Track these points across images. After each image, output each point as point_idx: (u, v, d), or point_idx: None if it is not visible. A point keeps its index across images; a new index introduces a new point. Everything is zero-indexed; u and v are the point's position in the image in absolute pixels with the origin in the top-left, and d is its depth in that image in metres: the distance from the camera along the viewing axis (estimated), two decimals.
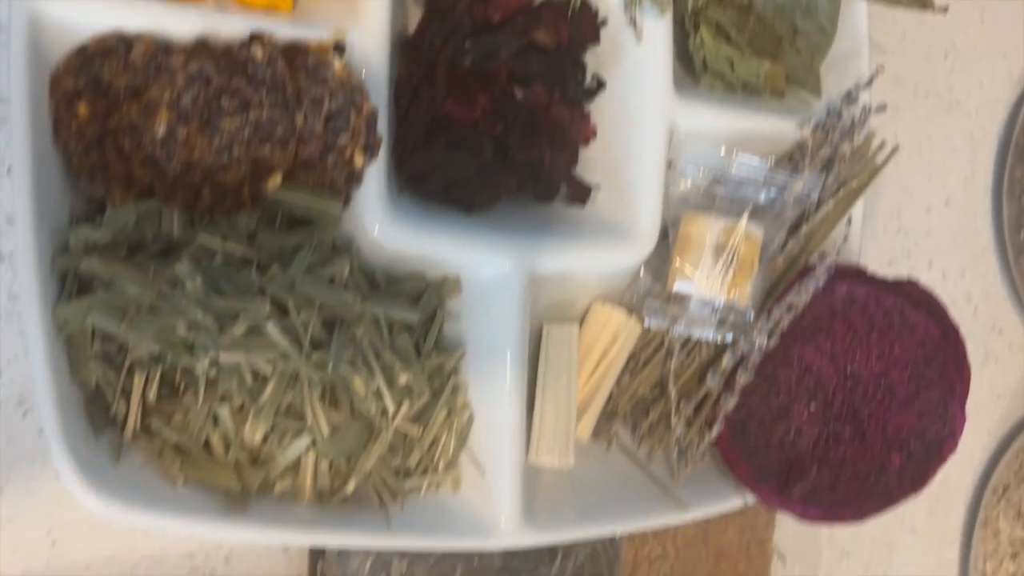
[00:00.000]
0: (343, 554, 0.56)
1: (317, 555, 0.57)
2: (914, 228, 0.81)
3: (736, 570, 0.71)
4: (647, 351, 0.63)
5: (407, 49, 0.56)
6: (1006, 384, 0.86)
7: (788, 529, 0.74)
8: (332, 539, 0.50)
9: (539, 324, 0.59)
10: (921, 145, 0.81)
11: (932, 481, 0.60)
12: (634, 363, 0.62)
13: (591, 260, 0.58)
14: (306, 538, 0.49)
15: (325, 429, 0.49)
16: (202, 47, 0.47)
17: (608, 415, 0.62)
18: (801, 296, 0.59)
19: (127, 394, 0.48)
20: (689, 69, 0.65)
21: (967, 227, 0.84)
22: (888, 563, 0.80)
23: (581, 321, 0.61)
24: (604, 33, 0.60)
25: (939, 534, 0.82)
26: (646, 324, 0.61)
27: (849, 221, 0.64)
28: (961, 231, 0.83)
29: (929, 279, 0.78)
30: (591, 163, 0.61)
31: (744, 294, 0.59)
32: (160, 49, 0.47)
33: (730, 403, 0.60)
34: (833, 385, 0.62)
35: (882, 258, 0.79)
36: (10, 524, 0.52)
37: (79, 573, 0.53)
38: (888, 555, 0.80)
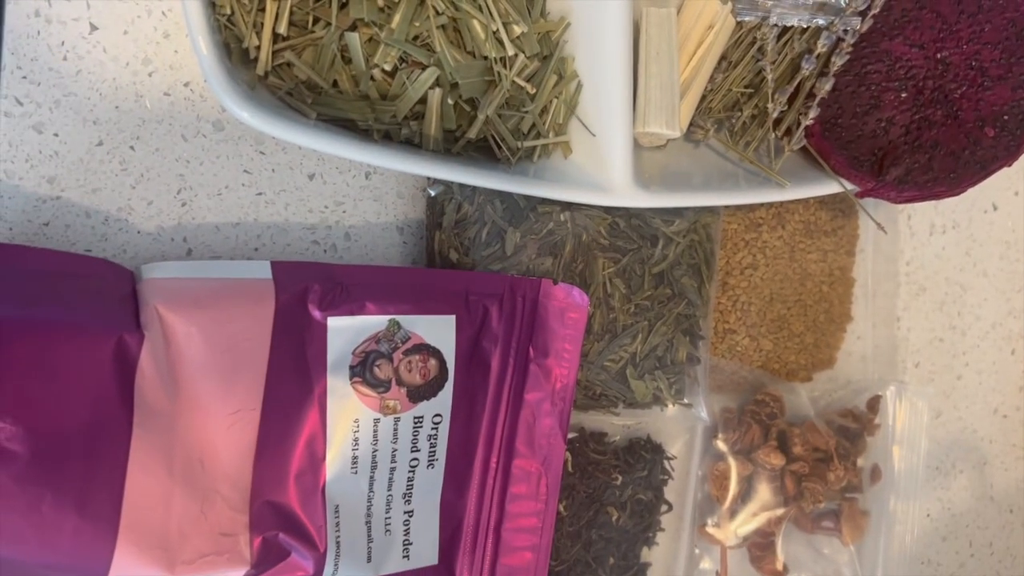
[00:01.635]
0: (459, 223, 0.57)
1: (433, 229, 0.58)
2: None
3: (820, 292, 0.72)
4: (739, 50, 0.64)
5: None
6: None
7: (868, 262, 0.75)
8: (459, 175, 0.51)
9: (635, 15, 0.60)
10: None
11: None
12: (726, 63, 0.63)
13: None
14: (436, 170, 0.50)
15: (451, 61, 0.50)
16: None
17: (702, 112, 0.63)
18: None
19: (258, 29, 0.49)
20: None
21: None
22: (962, 303, 0.82)
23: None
24: None
25: (1009, 279, 0.83)
26: (739, 19, 0.62)
27: None
28: None
29: None
30: None
31: None
32: None
33: (826, 86, 0.61)
34: (923, 73, 0.63)
35: None
36: (142, 180, 0.53)
37: (209, 234, 0.54)
38: (962, 295, 0.81)
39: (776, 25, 0.62)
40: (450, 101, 0.52)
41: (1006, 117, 0.62)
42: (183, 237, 0.54)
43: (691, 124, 0.63)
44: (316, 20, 0.50)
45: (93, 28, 0.52)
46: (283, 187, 0.56)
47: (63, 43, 0.51)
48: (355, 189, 0.58)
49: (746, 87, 0.64)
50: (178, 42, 0.53)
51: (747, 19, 0.62)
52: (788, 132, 0.64)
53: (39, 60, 0.51)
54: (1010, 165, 0.62)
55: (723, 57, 0.63)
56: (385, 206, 0.59)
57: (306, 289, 0.52)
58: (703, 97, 0.63)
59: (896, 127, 0.63)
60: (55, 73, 0.51)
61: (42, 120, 0.51)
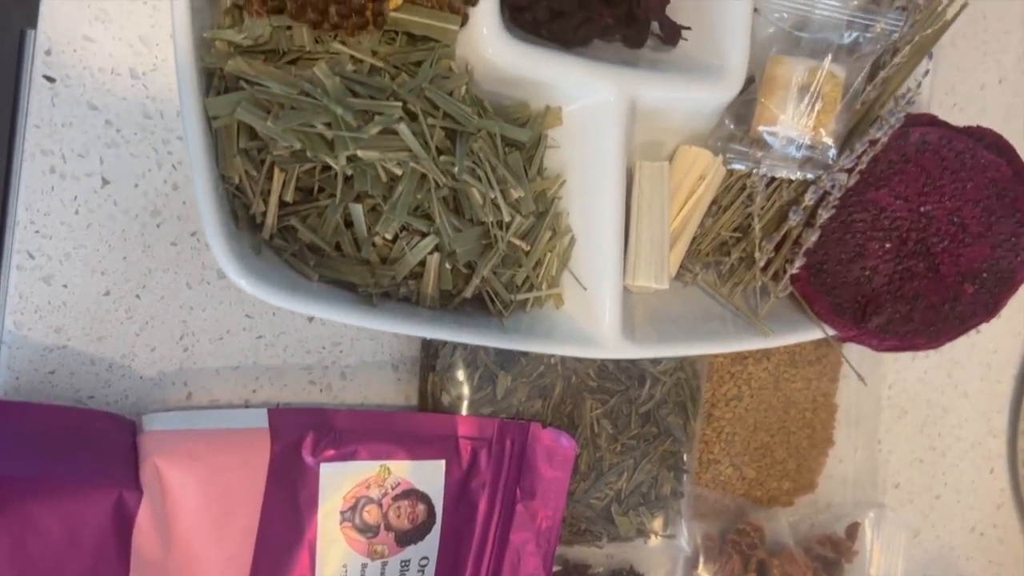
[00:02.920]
0: (452, 367, 0.59)
1: (427, 370, 0.60)
2: (968, 104, 0.84)
3: (804, 418, 0.74)
4: (728, 196, 0.66)
5: None
6: None
7: (851, 387, 0.77)
8: (453, 335, 0.53)
9: (629, 163, 0.62)
10: (976, 24, 0.84)
11: (1003, 308, 0.63)
12: (716, 208, 0.66)
13: (687, 93, 0.60)
14: (431, 331, 0.52)
15: (450, 230, 0.52)
16: None
17: (691, 255, 0.65)
18: (882, 130, 0.62)
19: (266, 195, 0.51)
20: None
21: (1019, 106, 0.87)
22: (943, 424, 0.83)
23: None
24: None
25: (990, 400, 0.85)
26: (729, 167, 0.64)
27: (930, 56, 0.66)
28: (1013, 109, 0.86)
29: None
30: (680, 9, 0.64)
31: (828, 130, 0.62)
32: None
33: (812, 238, 0.64)
34: (907, 225, 0.65)
35: None
36: (147, 327, 0.55)
37: (209, 378, 0.56)
38: (943, 417, 0.83)
39: (765, 175, 0.64)
40: (447, 265, 0.54)
41: (985, 274, 0.64)
42: (184, 381, 0.56)
43: (681, 267, 0.65)
44: (321, 189, 0.52)
45: (105, 182, 0.53)
46: (283, 329, 0.58)
47: (76, 197, 0.53)
48: (352, 330, 0.60)
49: (735, 230, 0.66)
50: (187, 193, 0.55)
51: (738, 168, 0.64)
52: (775, 276, 0.66)
53: (52, 215, 0.52)
54: (988, 321, 0.64)
55: (713, 201, 0.65)
56: (381, 345, 0.61)
57: (301, 436, 0.54)
58: (693, 239, 0.65)
59: (879, 276, 0.65)
60: (67, 227, 0.53)
61: (52, 272, 0.53)
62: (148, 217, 0.55)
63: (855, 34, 0.63)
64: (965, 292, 0.64)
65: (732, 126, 0.65)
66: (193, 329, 0.56)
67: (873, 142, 0.63)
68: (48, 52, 0.52)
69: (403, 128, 0.50)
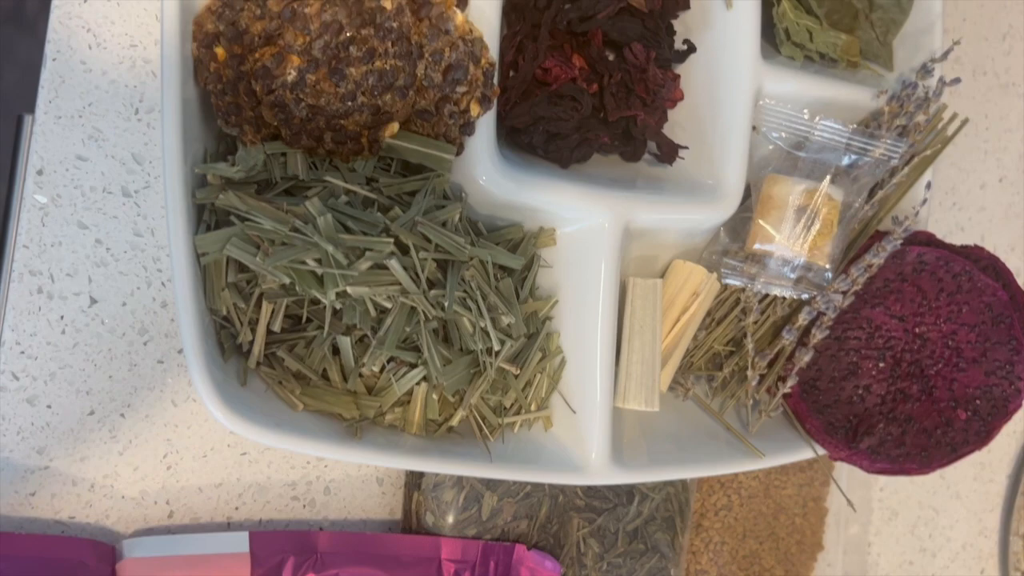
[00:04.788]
0: (438, 487, 0.59)
1: (412, 488, 0.60)
2: (968, 204, 0.84)
3: (793, 524, 0.74)
4: (722, 309, 0.65)
5: (513, 7, 0.58)
6: None
7: (842, 486, 0.77)
8: (438, 467, 0.52)
9: (623, 279, 0.62)
10: (978, 124, 0.84)
11: (996, 436, 0.63)
12: (710, 320, 0.65)
13: (681, 215, 0.60)
14: (415, 464, 0.52)
15: (439, 363, 0.52)
16: None
17: (684, 369, 0.65)
18: (879, 256, 0.62)
19: (253, 325, 0.50)
20: (769, 38, 0.67)
21: (1019, 204, 0.86)
22: (934, 525, 0.83)
23: (661, 277, 0.64)
24: (693, 1, 0.62)
25: (982, 501, 0.85)
26: (724, 282, 0.63)
27: (928, 185, 0.66)
28: (1013, 208, 0.86)
29: None
30: (677, 126, 0.63)
31: (824, 254, 0.62)
32: None
33: (805, 358, 0.63)
34: (902, 345, 0.64)
35: (937, 231, 0.82)
36: (130, 446, 0.54)
37: (191, 496, 0.56)
38: (934, 518, 0.83)
39: (759, 292, 0.64)
40: (435, 396, 0.53)
41: (978, 401, 0.63)
42: (166, 500, 0.55)
43: (674, 380, 0.65)
44: (309, 319, 0.51)
45: (93, 301, 0.53)
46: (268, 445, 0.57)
47: (63, 317, 0.53)
48: None
49: (728, 343, 0.66)
50: (175, 310, 0.54)
51: (732, 283, 0.64)
52: (768, 391, 0.66)
53: (38, 335, 0.52)
54: (980, 449, 0.63)
55: (708, 314, 0.65)
56: None
57: (282, 561, 0.54)
58: (686, 352, 0.65)
59: (872, 396, 0.64)
60: (53, 347, 0.52)
61: (36, 393, 0.52)
62: (135, 335, 0.54)
63: (854, 157, 0.63)
64: (958, 418, 0.63)
65: (728, 240, 0.65)
66: (177, 447, 0.55)
67: (869, 266, 0.62)
68: (40, 172, 0.52)
69: (394, 264, 0.50)
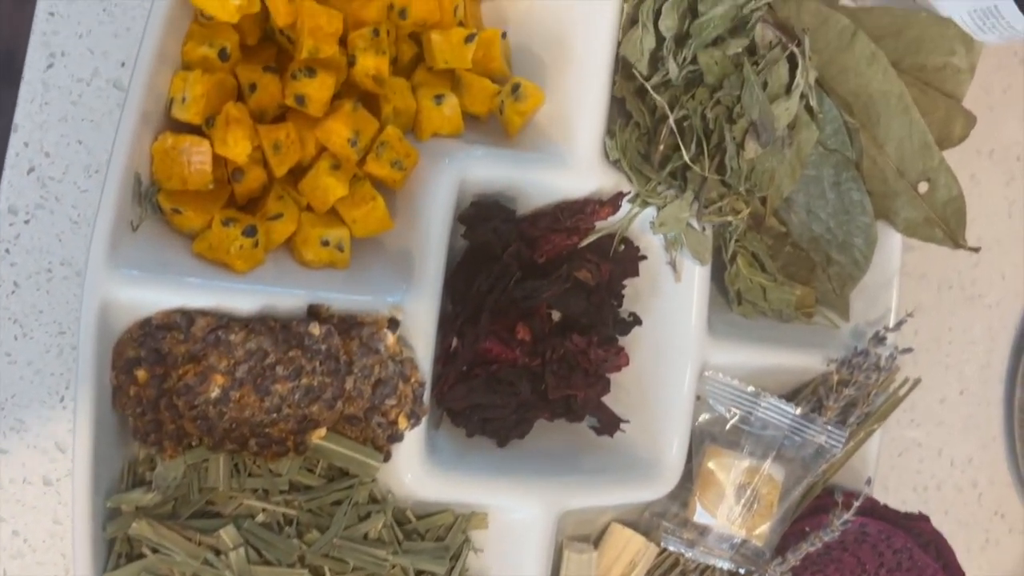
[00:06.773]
0: None
1: None
2: (926, 419, 0.83)
3: None
4: (660, 569, 0.64)
5: (454, 291, 0.57)
6: (1003, 567, 0.88)
7: None
8: None
9: (558, 543, 0.61)
10: (941, 338, 0.83)
11: None
12: None
13: (618, 498, 0.60)
14: None
15: None
16: (261, 322, 0.49)
17: None
18: (815, 545, 0.61)
19: None
20: (722, 290, 0.66)
21: (979, 415, 0.86)
22: None
23: (597, 539, 0.63)
24: (643, 266, 0.61)
25: None
26: (663, 544, 0.63)
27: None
28: (973, 419, 0.85)
29: (937, 467, 0.81)
30: (622, 389, 0.63)
31: (762, 536, 0.61)
32: (221, 324, 0.48)
33: None
34: None
35: (893, 449, 0.81)
36: None
37: None
38: None
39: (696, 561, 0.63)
40: None
41: None
42: None
43: None
44: None
45: None
46: None
47: None
48: None
49: None
50: None
51: (671, 548, 0.63)
52: None
53: None
54: None
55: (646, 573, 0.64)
56: None
57: None
58: None
59: None
60: None
61: None
62: None
63: (797, 440, 0.62)
64: None
65: (668, 503, 0.64)
66: None
67: (806, 554, 0.62)
68: None
69: None
